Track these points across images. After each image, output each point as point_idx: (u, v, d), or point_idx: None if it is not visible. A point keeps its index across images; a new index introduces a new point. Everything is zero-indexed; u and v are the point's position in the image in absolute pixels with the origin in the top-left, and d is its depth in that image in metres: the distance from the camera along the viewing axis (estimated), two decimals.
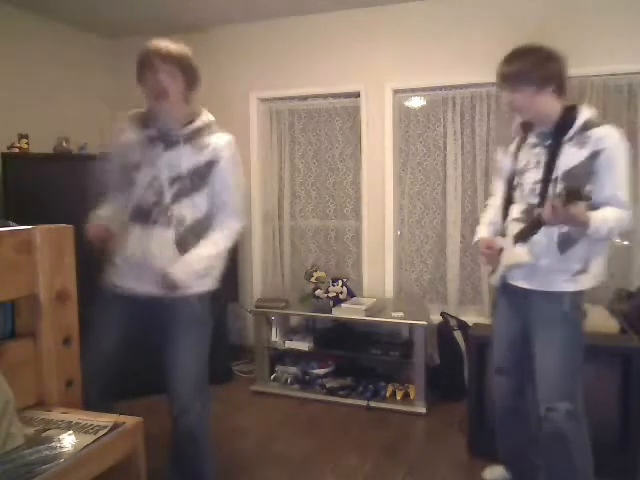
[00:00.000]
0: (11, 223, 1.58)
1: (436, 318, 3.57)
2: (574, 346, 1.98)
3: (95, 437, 1.34)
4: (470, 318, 3.48)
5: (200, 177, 1.93)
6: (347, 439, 2.93)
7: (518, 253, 1.98)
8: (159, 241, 1.89)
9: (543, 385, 1.98)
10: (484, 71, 3.49)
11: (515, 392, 2.21)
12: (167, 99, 1.85)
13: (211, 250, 1.94)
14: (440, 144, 3.76)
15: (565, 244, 1.92)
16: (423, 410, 3.20)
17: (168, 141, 1.91)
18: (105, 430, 1.38)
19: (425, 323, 3.24)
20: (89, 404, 1.70)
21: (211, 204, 1.97)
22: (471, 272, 3.77)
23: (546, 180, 1.93)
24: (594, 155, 1.85)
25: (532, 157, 2.01)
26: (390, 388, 3.40)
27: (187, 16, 3.91)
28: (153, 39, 1.88)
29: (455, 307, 3.74)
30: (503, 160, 2.19)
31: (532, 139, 2.03)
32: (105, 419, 1.44)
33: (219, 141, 1.97)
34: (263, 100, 4.17)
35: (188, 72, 1.89)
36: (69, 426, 1.40)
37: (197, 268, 1.89)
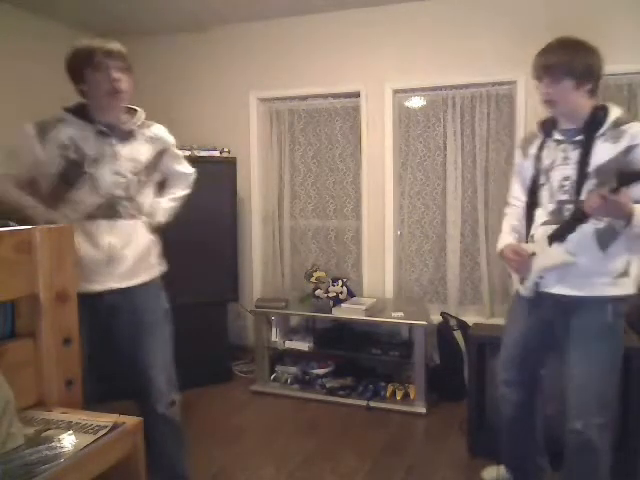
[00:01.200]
0: (11, 223, 1.58)
1: (436, 318, 3.57)
2: (615, 359, 1.90)
3: (95, 437, 1.34)
4: (470, 318, 3.49)
5: (154, 165, 2.07)
6: (347, 439, 2.93)
7: (555, 254, 1.88)
8: (132, 232, 1.97)
9: (579, 400, 1.90)
10: (484, 71, 3.52)
11: (524, 404, 2.14)
12: (123, 96, 1.91)
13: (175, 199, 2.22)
14: (440, 144, 3.75)
15: (606, 240, 1.83)
16: (423, 410, 3.20)
17: (121, 135, 1.95)
18: (105, 430, 1.38)
19: (425, 323, 3.24)
20: None
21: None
22: (471, 272, 3.77)
23: (581, 175, 1.86)
24: (629, 150, 1.80)
25: (558, 154, 1.93)
26: (390, 388, 3.40)
27: (187, 16, 3.92)
28: (91, 38, 1.91)
29: (455, 307, 3.74)
30: (523, 164, 2.08)
31: (557, 136, 1.96)
32: (105, 419, 1.44)
33: (159, 130, 2.11)
34: (263, 100, 4.17)
35: (131, 70, 1.96)
36: (69, 426, 1.40)
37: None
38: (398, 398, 3.33)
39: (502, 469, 2.38)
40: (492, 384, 2.63)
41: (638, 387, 2.39)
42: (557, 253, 1.88)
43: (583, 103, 1.89)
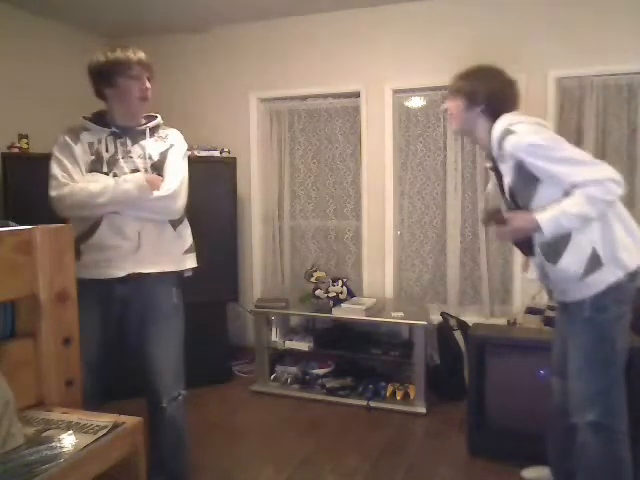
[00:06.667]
0: (11, 223, 1.58)
1: (436, 318, 3.57)
2: (599, 355, 1.84)
3: (95, 437, 1.34)
4: (470, 318, 3.48)
5: (162, 163, 2.11)
6: (347, 439, 2.93)
7: (531, 269, 2.01)
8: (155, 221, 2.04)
9: (572, 396, 1.94)
10: None
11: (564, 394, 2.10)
12: (148, 103, 2.07)
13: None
14: (440, 144, 3.76)
15: (552, 254, 1.83)
16: (423, 410, 3.20)
17: (134, 135, 2.07)
18: (105, 430, 1.38)
19: (425, 323, 3.24)
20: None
21: None
22: (471, 272, 3.76)
23: (508, 202, 1.94)
24: (517, 165, 1.80)
25: (492, 180, 2.06)
26: (390, 388, 3.40)
27: (187, 16, 3.92)
28: (122, 48, 2.01)
29: (455, 307, 3.74)
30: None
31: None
32: (105, 419, 1.44)
33: (172, 132, 2.18)
34: (263, 100, 4.17)
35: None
36: (69, 426, 1.39)
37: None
38: (398, 398, 3.33)
39: (546, 470, 2.30)
40: (492, 384, 2.64)
41: (638, 387, 2.38)
42: (531, 269, 2.02)
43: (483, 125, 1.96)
